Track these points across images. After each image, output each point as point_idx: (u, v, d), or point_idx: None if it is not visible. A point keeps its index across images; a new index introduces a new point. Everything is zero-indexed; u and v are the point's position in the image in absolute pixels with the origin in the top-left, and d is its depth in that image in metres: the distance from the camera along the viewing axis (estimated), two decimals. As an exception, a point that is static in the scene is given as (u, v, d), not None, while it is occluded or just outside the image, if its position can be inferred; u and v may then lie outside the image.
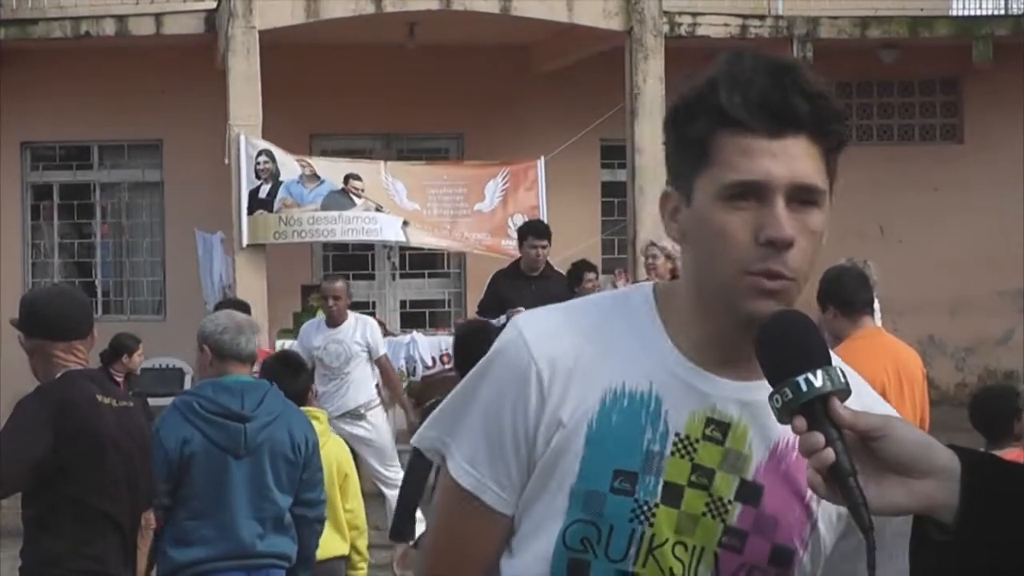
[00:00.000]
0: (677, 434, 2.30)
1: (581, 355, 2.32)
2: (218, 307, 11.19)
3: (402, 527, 7.80)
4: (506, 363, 2.34)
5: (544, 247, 12.51)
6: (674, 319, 2.35)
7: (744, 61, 2.24)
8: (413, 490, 7.64)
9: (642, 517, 2.29)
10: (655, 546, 2.29)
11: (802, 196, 2.22)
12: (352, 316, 11.96)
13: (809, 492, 2.28)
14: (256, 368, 7.09)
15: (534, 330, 2.35)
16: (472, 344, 6.91)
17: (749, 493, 2.31)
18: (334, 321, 11.78)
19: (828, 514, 2.34)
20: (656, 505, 2.29)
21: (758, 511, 2.31)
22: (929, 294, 18.58)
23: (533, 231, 12.79)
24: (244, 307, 11.10)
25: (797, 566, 2.34)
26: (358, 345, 11.80)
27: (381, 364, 12.03)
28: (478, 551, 2.41)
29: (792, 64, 2.25)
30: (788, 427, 2.11)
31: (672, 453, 2.29)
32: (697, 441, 2.30)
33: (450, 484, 2.39)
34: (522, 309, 10.91)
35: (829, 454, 2.00)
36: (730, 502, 2.30)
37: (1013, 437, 7.44)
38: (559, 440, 2.30)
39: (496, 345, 2.38)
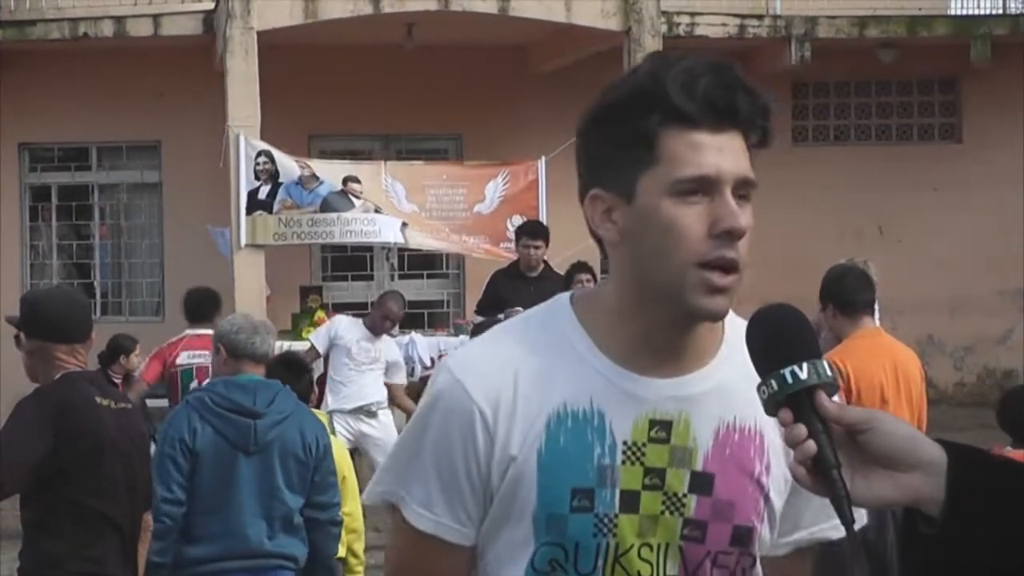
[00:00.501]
0: (624, 442, 2.34)
1: (519, 385, 2.35)
2: (187, 298, 11.20)
3: None
4: (447, 409, 2.37)
5: (538, 247, 12.49)
6: (598, 325, 2.38)
7: (681, 60, 2.28)
8: None
9: (604, 530, 2.34)
10: (620, 554, 2.34)
11: (742, 190, 2.27)
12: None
13: (757, 467, 2.38)
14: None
15: (468, 372, 2.38)
16: None
17: (701, 483, 2.36)
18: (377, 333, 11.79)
19: (777, 482, 2.40)
20: (616, 516, 2.34)
21: (713, 499, 2.36)
22: (928, 294, 18.57)
23: (527, 231, 12.79)
24: (213, 296, 11.08)
25: (757, 540, 2.40)
26: (388, 357, 11.89)
27: (391, 388, 12.05)
28: None
29: (727, 62, 2.31)
30: (728, 412, 2.23)
31: (623, 462, 2.34)
32: (644, 445, 2.34)
33: (406, 529, 2.42)
34: (520, 309, 10.94)
35: (811, 446, 2.01)
36: (685, 495, 2.36)
37: None
38: (513, 472, 2.34)
39: (434, 391, 2.41)
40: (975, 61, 18.56)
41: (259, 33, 15.54)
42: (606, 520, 2.33)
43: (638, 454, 2.34)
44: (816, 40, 18.02)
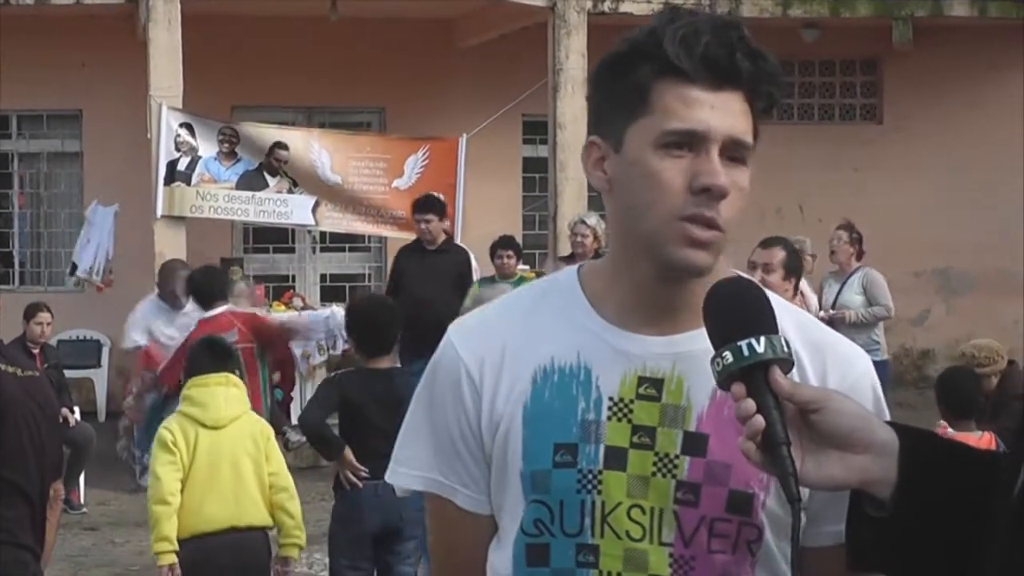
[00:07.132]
0: (611, 398, 2.30)
1: (508, 344, 2.36)
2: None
3: (327, 447, 7.98)
4: (441, 370, 2.40)
5: (429, 221, 12.41)
6: (597, 287, 2.36)
7: (685, 16, 2.27)
8: (315, 415, 7.92)
9: (589, 486, 2.29)
10: (608, 512, 2.28)
11: (734, 151, 2.25)
12: None
13: None
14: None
15: (461, 332, 2.42)
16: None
17: (694, 444, 2.28)
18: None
19: None
20: (600, 472, 2.28)
21: (707, 460, 2.27)
22: (847, 273, 18.69)
23: (417, 206, 12.72)
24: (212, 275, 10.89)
25: (761, 511, 2.28)
26: None
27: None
28: (471, 556, 2.44)
29: (735, 22, 2.29)
30: None
31: (609, 418, 2.30)
32: (632, 402, 2.29)
33: (429, 496, 2.44)
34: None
35: (759, 420, 2.01)
36: (677, 457, 2.28)
37: (977, 418, 7.62)
38: (502, 430, 2.34)
39: (434, 356, 2.44)
40: (897, 43, 18.68)
41: (182, 3, 15.40)
42: (590, 476, 2.28)
43: (625, 411, 2.29)
44: (740, 19, 18.02)
